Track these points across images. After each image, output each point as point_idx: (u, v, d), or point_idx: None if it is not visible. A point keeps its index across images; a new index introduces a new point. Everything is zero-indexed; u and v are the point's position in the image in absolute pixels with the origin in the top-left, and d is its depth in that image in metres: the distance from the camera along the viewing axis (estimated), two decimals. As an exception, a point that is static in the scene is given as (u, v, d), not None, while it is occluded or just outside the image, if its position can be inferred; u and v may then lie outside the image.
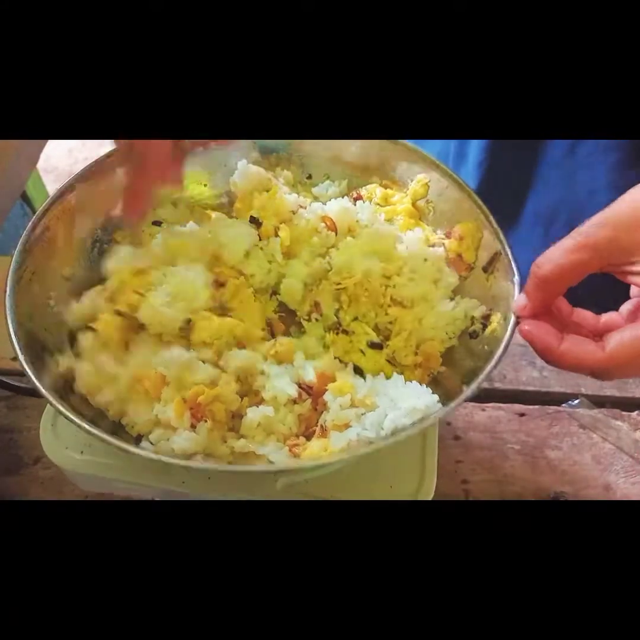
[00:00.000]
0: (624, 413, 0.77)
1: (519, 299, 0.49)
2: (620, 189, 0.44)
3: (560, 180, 0.79)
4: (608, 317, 0.50)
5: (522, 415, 0.77)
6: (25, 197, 1.09)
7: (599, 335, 0.47)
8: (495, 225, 0.55)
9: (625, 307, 0.50)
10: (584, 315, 0.50)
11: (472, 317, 0.57)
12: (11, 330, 0.47)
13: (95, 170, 0.58)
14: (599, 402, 0.79)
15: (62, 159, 2.45)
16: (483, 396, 0.79)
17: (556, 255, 0.45)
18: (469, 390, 0.46)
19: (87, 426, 0.43)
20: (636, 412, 0.77)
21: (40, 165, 1.06)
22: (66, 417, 0.43)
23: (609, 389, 0.80)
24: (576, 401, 0.79)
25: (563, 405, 0.79)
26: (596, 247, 0.44)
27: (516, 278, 0.51)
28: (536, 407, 0.77)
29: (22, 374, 0.45)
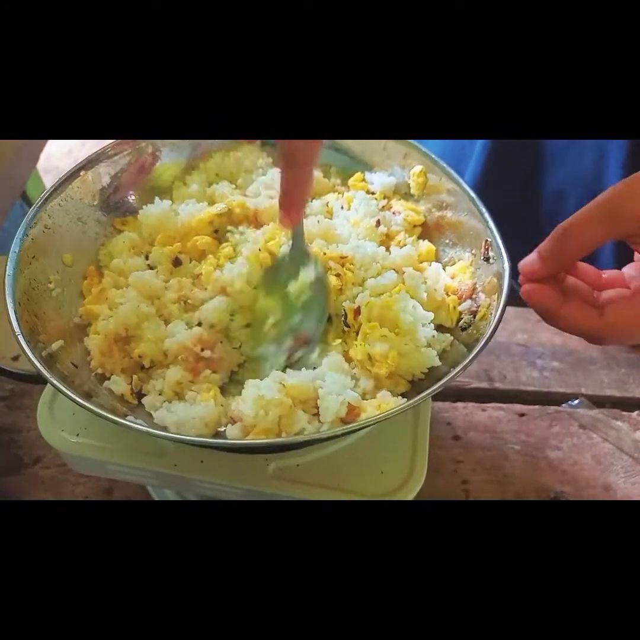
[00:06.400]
0: (624, 413, 0.77)
1: (529, 258, 0.47)
2: (629, 168, 0.43)
3: (570, 160, 0.79)
4: (610, 274, 0.50)
5: (522, 415, 0.77)
6: (25, 197, 1.09)
7: (599, 289, 0.48)
8: (486, 216, 0.56)
9: (628, 270, 0.50)
10: (586, 269, 0.50)
11: (460, 312, 0.56)
12: (10, 308, 0.48)
13: (96, 158, 0.59)
14: (599, 402, 0.79)
15: (62, 159, 2.45)
16: (483, 396, 0.79)
17: (581, 220, 0.44)
18: (467, 359, 0.46)
19: (80, 400, 0.44)
20: (636, 412, 0.77)
21: (40, 165, 1.06)
22: (60, 391, 0.44)
23: (609, 389, 0.80)
24: (576, 401, 0.79)
25: (563, 405, 0.79)
26: (621, 217, 0.43)
27: (506, 265, 0.52)
28: (536, 407, 0.78)
29: (22, 374, 0.45)
